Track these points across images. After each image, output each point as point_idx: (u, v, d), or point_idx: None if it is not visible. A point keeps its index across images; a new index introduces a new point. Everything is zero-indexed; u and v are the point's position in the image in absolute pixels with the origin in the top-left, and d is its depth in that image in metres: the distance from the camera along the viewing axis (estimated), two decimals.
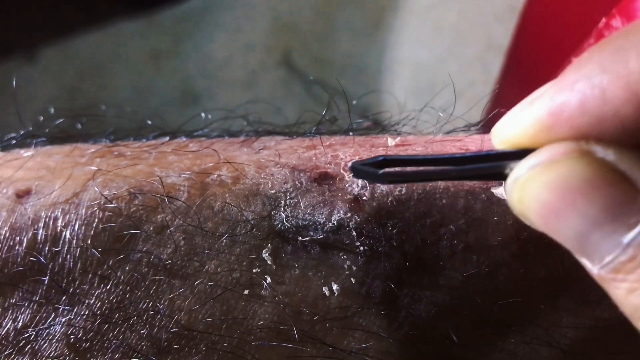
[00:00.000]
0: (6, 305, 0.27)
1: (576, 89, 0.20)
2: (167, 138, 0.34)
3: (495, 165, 0.23)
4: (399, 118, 0.37)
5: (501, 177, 0.23)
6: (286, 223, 0.29)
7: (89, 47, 1.28)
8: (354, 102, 0.37)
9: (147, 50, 1.29)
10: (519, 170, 0.22)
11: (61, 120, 0.37)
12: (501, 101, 0.85)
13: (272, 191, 0.29)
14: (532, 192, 0.21)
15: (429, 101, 0.35)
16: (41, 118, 0.37)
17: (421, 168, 0.25)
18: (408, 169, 0.25)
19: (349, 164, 0.27)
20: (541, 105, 0.21)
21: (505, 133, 0.22)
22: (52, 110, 0.40)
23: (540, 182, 0.21)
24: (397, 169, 0.25)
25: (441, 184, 0.29)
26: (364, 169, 0.25)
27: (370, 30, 1.32)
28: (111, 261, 0.28)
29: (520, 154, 0.22)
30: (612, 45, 0.19)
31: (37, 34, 1.26)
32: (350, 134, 0.34)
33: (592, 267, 0.20)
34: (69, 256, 0.28)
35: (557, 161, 0.21)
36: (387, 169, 0.25)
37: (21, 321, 0.27)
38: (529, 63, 0.76)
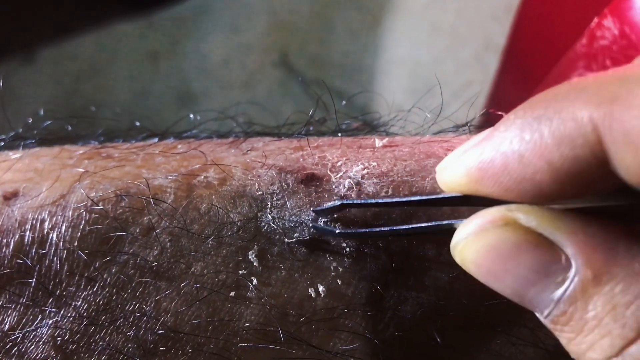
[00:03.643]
0: None
1: (500, 151, 0.21)
2: (156, 139, 0.34)
3: (442, 225, 0.26)
4: (389, 119, 0.37)
5: (449, 232, 0.25)
6: (272, 224, 0.29)
7: (87, 48, 1.28)
8: (343, 102, 0.37)
9: (144, 51, 1.29)
10: (456, 237, 0.24)
11: (50, 122, 0.37)
12: (498, 101, 0.85)
13: (259, 192, 0.29)
14: (469, 258, 0.23)
15: (417, 101, 0.35)
16: (30, 120, 0.37)
17: (375, 229, 0.28)
18: (362, 230, 0.28)
19: (312, 210, 0.29)
20: (471, 159, 0.23)
21: (444, 179, 0.24)
22: (44, 112, 0.40)
23: (473, 249, 0.23)
24: (352, 229, 0.28)
25: (427, 185, 0.29)
26: (323, 228, 0.28)
27: (367, 30, 1.32)
28: (98, 263, 0.28)
29: (463, 199, 0.25)
30: (534, 112, 0.21)
31: (35, 35, 1.26)
32: (339, 135, 0.34)
33: (539, 317, 0.22)
34: (55, 258, 0.28)
35: (485, 230, 0.23)
36: (342, 230, 0.28)
37: (8, 323, 0.27)
38: (526, 62, 0.76)
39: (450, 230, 0.25)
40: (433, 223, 0.27)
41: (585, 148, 0.20)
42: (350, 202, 0.28)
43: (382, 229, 0.28)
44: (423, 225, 0.27)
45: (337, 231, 0.28)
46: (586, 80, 0.21)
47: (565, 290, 0.21)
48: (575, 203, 0.23)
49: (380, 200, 0.28)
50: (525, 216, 0.22)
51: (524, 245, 0.22)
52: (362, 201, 0.28)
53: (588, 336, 0.21)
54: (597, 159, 0.20)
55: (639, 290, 0.20)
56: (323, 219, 0.29)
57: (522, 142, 0.21)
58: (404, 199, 0.28)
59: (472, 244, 0.23)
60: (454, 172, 0.23)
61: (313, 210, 0.29)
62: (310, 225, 0.28)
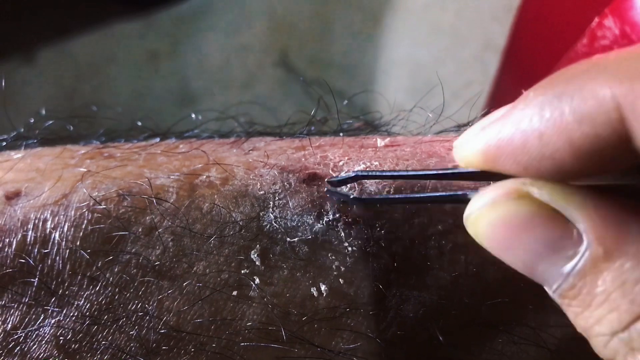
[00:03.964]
0: None
1: (519, 129, 0.21)
2: (158, 139, 0.34)
3: (456, 195, 0.26)
4: (390, 118, 0.37)
5: (463, 202, 0.25)
6: (275, 224, 0.29)
7: (87, 49, 1.28)
8: (345, 102, 0.37)
9: (144, 51, 1.29)
10: (469, 209, 0.24)
11: (52, 122, 0.37)
12: (498, 101, 0.85)
13: (261, 192, 0.29)
14: (481, 230, 0.23)
15: (419, 101, 0.35)
16: (32, 120, 0.37)
17: (390, 195, 0.28)
18: (377, 196, 0.28)
19: (326, 180, 0.29)
20: (489, 137, 0.23)
21: (461, 155, 0.25)
22: (45, 112, 0.40)
23: (486, 221, 0.23)
24: (366, 195, 0.28)
25: (429, 184, 0.29)
26: (337, 192, 0.28)
27: (367, 31, 1.32)
28: (100, 262, 0.28)
29: (480, 174, 0.24)
30: (553, 89, 0.21)
31: (35, 35, 1.26)
32: (341, 134, 0.34)
33: (548, 291, 0.23)
34: (58, 258, 0.28)
35: (499, 202, 0.23)
36: (356, 196, 0.28)
37: (10, 323, 0.28)
38: (526, 63, 0.76)
39: (465, 201, 0.25)
40: (448, 193, 0.27)
41: (606, 126, 0.19)
42: (365, 173, 0.28)
43: (397, 195, 0.28)
44: (438, 194, 0.27)
45: (352, 196, 0.27)
46: (607, 57, 0.20)
47: (576, 265, 0.21)
48: (591, 180, 0.22)
49: (395, 173, 0.28)
50: (539, 190, 0.22)
51: (537, 219, 0.22)
52: (377, 172, 0.28)
53: (596, 310, 0.21)
54: (618, 137, 0.19)
55: None
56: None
57: (542, 119, 0.21)
58: (419, 172, 0.27)
59: (485, 215, 0.23)
60: (471, 149, 0.23)
61: (327, 181, 0.28)
62: (325, 189, 0.28)
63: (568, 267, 0.21)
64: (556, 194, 0.22)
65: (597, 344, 0.22)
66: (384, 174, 0.28)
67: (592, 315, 0.21)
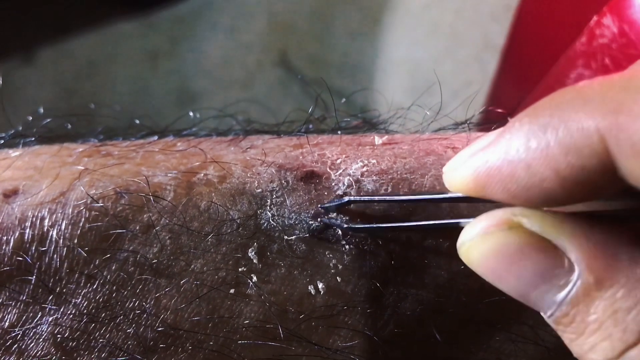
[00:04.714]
0: None
1: (507, 159, 0.22)
2: (156, 137, 0.34)
3: (447, 224, 0.27)
4: (388, 116, 0.37)
5: (456, 230, 0.25)
6: (272, 222, 0.29)
7: (86, 48, 1.28)
8: (343, 100, 0.37)
9: (144, 50, 1.29)
10: (462, 238, 0.24)
11: (49, 120, 0.37)
12: (497, 100, 0.85)
13: (259, 190, 0.29)
14: (474, 259, 0.24)
15: (417, 99, 0.35)
16: (30, 118, 0.37)
17: (382, 225, 0.29)
18: (370, 225, 0.29)
19: (319, 207, 0.29)
20: (478, 164, 0.23)
21: (451, 181, 0.25)
22: (43, 111, 0.40)
23: (479, 251, 0.24)
24: (359, 225, 0.29)
25: (426, 183, 0.29)
26: (330, 222, 0.28)
27: (366, 30, 1.32)
28: (97, 260, 0.28)
29: (470, 198, 0.25)
30: (539, 120, 0.21)
31: (34, 34, 1.26)
32: (338, 132, 0.34)
33: (543, 315, 0.23)
34: (55, 256, 0.28)
35: (490, 233, 0.23)
36: (349, 225, 0.28)
37: (8, 320, 0.28)
38: (525, 62, 0.76)
39: (456, 229, 0.25)
40: (440, 221, 0.27)
41: (592, 157, 0.20)
42: (357, 199, 0.28)
43: (389, 225, 0.28)
44: (430, 222, 0.28)
45: (345, 225, 0.28)
46: (591, 88, 0.21)
47: (568, 293, 0.22)
48: (580, 206, 0.23)
49: (387, 198, 0.28)
50: (529, 220, 0.23)
51: (528, 249, 0.22)
52: (369, 198, 0.29)
53: (589, 338, 0.21)
54: (604, 167, 0.20)
55: None
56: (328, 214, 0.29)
57: (528, 150, 0.21)
58: (410, 197, 0.28)
59: (478, 245, 0.24)
60: (461, 175, 0.24)
61: (320, 207, 0.29)
62: (319, 219, 0.29)
63: (561, 295, 0.22)
64: (546, 224, 0.22)
65: None
66: (377, 198, 0.28)
67: (586, 343, 0.21)
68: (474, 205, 0.27)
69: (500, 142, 0.22)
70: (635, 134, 0.19)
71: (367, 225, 0.28)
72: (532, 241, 0.22)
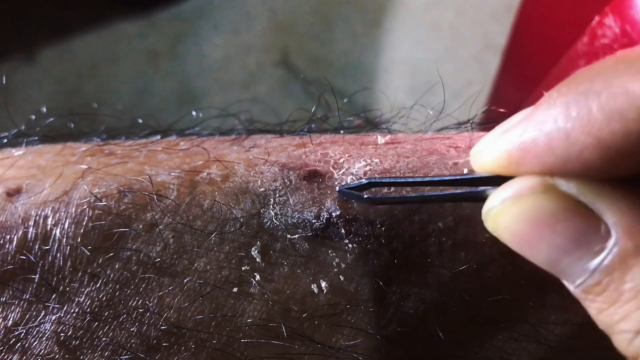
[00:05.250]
0: None
1: (544, 130, 0.21)
2: (158, 137, 0.34)
3: (473, 192, 0.25)
4: (390, 116, 0.37)
5: (480, 199, 0.24)
6: (275, 221, 0.29)
7: (88, 48, 1.28)
8: (346, 100, 0.37)
9: (145, 51, 1.29)
10: (491, 202, 0.23)
11: (53, 119, 0.37)
12: (498, 101, 0.85)
13: (262, 189, 0.29)
14: (503, 224, 0.23)
15: (419, 98, 0.35)
16: (33, 117, 0.37)
17: (404, 193, 0.27)
18: (392, 194, 0.28)
19: (337, 189, 0.29)
20: (512, 140, 0.22)
21: (480, 161, 0.24)
22: (45, 110, 0.40)
23: (510, 214, 0.22)
24: (380, 194, 0.27)
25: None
26: (350, 193, 0.27)
27: (367, 30, 1.32)
28: (101, 259, 0.28)
29: (495, 179, 0.24)
30: (579, 87, 0.20)
31: (36, 34, 1.26)
32: (341, 132, 0.34)
33: (569, 286, 0.22)
34: (58, 254, 0.28)
35: (524, 195, 0.22)
36: (370, 195, 0.27)
37: (11, 319, 0.28)
38: (526, 62, 0.76)
39: (482, 198, 0.24)
40: (465, 190, 0.26)
41: (637, 122, 0.19)
42: (378, 180, 0.28)
43: (413, 194, 0.27)
44: (455, 192, 0.26)
45: (365, 196, 0.27)
46: (633, 52, 0.20)
47: (603, 260, 0.21)
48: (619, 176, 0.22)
49: (409, 179, 0.27)
50: (566, 183, 0.22)
51: (563, 213, 0.22)
52: (389, 179, 0.28)
53: (623, 307, 0.21)
54: None
55: None
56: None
57: (568, 118, 0.20)
58: (433, 178, 0.27)
59: (508, 209, 0.23)
60: (492, 154, 0.23)
61: (339, 190, 0.28)
62: (338, 189, 0.28)
63: (595, 262, 0.21)
64: (584, 187, 0.21)
65: (621, 341, 0.21)
66: (397, 180, 0.27)
67: (618, 312, 0.21)
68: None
69: (536, 114, 0.21)
70: None
71: (389, 196, 0.27)
72: (568, 205, 0.21)
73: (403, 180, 0.27)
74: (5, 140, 0.35)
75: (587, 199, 0.21)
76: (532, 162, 0.21)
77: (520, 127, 0.22)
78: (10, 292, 0.28)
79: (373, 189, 0.28)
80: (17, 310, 0.28)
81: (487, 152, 0.23)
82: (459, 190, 0.26)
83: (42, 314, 0.28)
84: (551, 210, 0.22)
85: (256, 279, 0.28)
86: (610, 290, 0.21)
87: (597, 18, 0.48)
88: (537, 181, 0.22)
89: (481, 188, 0.25)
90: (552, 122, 0.20)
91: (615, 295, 0.21)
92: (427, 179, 0.27)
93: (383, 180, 0.27)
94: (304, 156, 0.30)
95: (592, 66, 0.21)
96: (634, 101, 0.19)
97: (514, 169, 0.22)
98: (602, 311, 0.21)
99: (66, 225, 0.28)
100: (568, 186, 0.22)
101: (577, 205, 0.21)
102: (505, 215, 0.23)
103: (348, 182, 0.29)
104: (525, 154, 0.22)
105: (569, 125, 0.20)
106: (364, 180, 0.27)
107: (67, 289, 0.28)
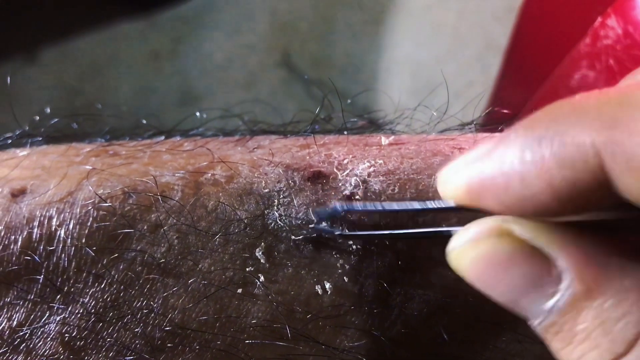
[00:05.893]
0: (1, 304, 0.28)
1: (502, 170, 0.22)
2: (162, 137, 0.34)
3: (440, 231, 0.27)
4: (394, 117, 0.37)
5: (448, 237, 0.25)
6: (279, 222, 0.29)
7: (89, 48, 1.28)
8: (349, 101, 0.37)
9: (147, 51, 1.30)
10: (452, 244, 0.24)
11: (57, 120, 0.37)
12: (500, 102, 0.85)
13: (266, 190, 0.29)
14: (463, 266, 0.24)
15: (423, 99, 0.35)
16: (37, 118, 0.37)
17: (375, 232, 0.29)
18: (362, 232, 0.29)
19: (312, 211, 0.29)
20: (472, 175, 0.23)
21: (444, 191, 0.25)
22: (49, 110, 0.40)
23: (469, 257, 0.23)
24: (351, 231, 0.29)
25: (433, 183, 0.29)
26: (324, 229, 0.29)
27: (369, 31, 1.32)
28: (105, 260, 0.28)
29: (460, 209, 0.25)
30: (534, 132, 0.21)
31: (37, 34, 1.26)
32: (345, 133, 0.34)
33: (531, 324, 0.23)
34: (63, 255, 0.28)
35: (480, 239, 0.23)
36: (344, 232, 0.28)
37: (16, 320, 0.28)
38: (528, 63, 0.76)
39: (449, 236, 0.25)
40: (432, 229, 0.28)
41: (586, 171, 0.20)
42: (351, 207, 0.29)
43: (382, 232, 0.29)
44: (423, 230, 0.28)
45: (337, 232, 0.28)
46: (587, 102, 0.21)
47: (557, 302, 0.21)
48: (572, 217, 0.23)
49: (379, 208, 0.28)
50: (520, 228, 0.23)
51: (517, 257, 0.22)
52: (362, 208, 0.29)
53: (577, 347, 0.21)
54: (597, 181, 0.20)
55: (629, 306, 0.20)
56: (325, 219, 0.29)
57: (523, 162, 0.21)
58: (402, 208, 0.28)
59: (467, 252, 0.24)
60: (455, 185, 0.24)
61: (313, 211, 0.29)
62: (311, 227, 0.29)
63: (549, 304, 0.22)
64: (537, 232, 0.22)
65: None
66: (368, 208, 0.28)
67: (574, 352, 0.21)
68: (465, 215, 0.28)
69: (495, 152, 0.22)
70: (630, 149, 0.19)
71: (359, 232, 0.29)
72: (522, 249, 0.22)
73: (374, 209, 0.28)
74: (9, 141, 0.35)
75: (540, 243, 0.22)
76: (490, 198, 0.22)
77: (481, 162, 0.22)
78: (15, 293, 0.28)
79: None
80: (21, 311, 0.28)
81: (449, 184, 0.24)
82: (429, 229, 0.28)
83: (47, 315, 0.28)
84: (506, 254, 0.23)
85: (260, 280, 0.28)
86: (565, 331, 0.21)
87: (599, 19, 0.48)
88: (492, 226, 0.23)
89: (448, 228, 0.26)
90: (508, 163, 0.21)
91: (570, 335, 0.21)
92: (397, 208, 0.28)
93: (355, 208, 0.29)
94: (308, 157, 0.31)
95: (549, 110, 0.22)
96: (583, 152, 0.20)
97: (474, 202, 0.23)
98: (560, 350, 0.22)
99: (71, 226, 0.28)
100: (522, 231, 0.23)
101: (531, 249, 0.22)
102: (465, 257, 0.24)
103: (352, 183, 0.29)
104: (483, 190, 0.22)
105: (524, 168, 0.21)
106: (337, 209, 0.28)
107: (72, 289, 0.28)
